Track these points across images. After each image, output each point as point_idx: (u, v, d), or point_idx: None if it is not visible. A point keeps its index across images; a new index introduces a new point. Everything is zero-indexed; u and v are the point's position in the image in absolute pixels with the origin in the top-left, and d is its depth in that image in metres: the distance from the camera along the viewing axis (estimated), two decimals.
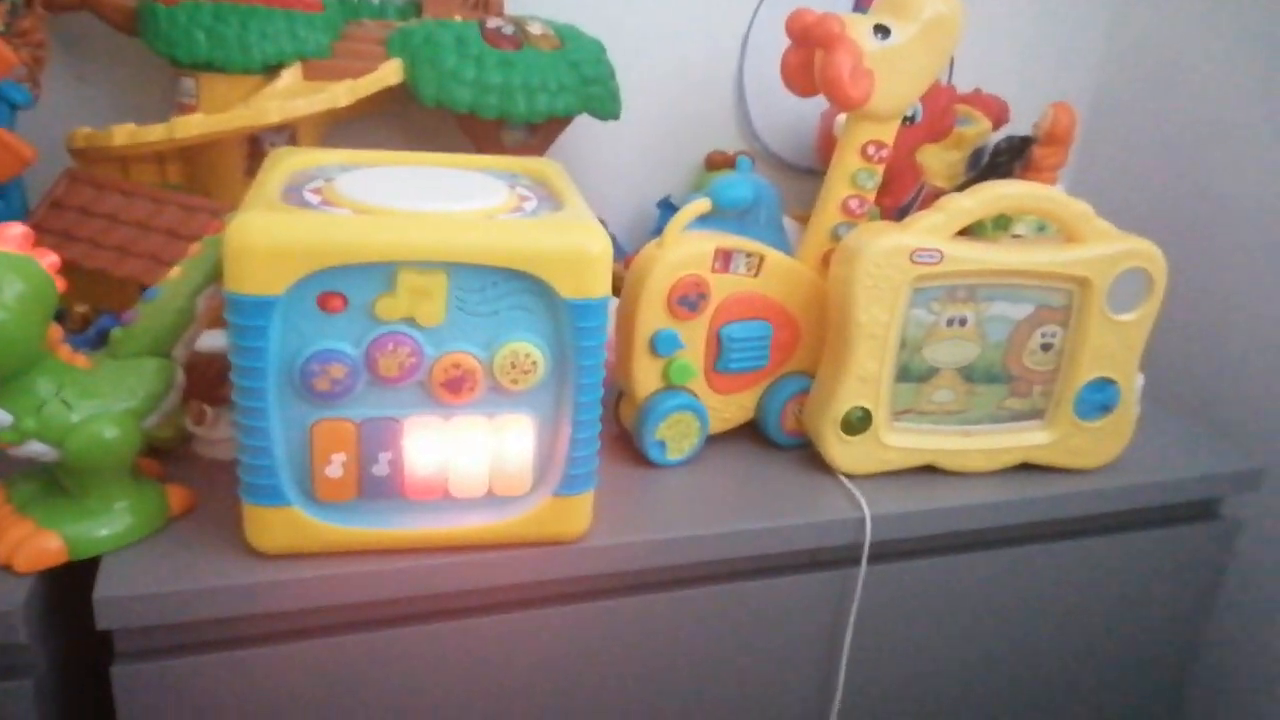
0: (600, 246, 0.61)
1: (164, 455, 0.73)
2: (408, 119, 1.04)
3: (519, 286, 0.61)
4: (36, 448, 0.59)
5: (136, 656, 0.63)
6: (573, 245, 0.60)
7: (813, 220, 0.83)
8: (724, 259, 0.78)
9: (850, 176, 0.81)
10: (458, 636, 0.70)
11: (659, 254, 0.76)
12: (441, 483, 0.65)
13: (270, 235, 0.56)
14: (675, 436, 0.80)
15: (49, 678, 0.64)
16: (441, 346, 0.61)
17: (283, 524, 0.63)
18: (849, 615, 0.81)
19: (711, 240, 0.77)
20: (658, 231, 1.02)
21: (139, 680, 0.63)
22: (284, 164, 0.68)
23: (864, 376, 0.79)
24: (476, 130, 0.99)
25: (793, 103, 1.18)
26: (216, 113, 0.84)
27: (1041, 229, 0.95)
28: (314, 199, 0.62)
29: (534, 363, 0.63)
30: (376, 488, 0.64)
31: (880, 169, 0.82)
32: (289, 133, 0.91)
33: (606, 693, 0.77)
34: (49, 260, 0.58)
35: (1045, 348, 0.82)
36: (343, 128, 0.96)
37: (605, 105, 0.98)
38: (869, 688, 0.86)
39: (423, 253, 0.58)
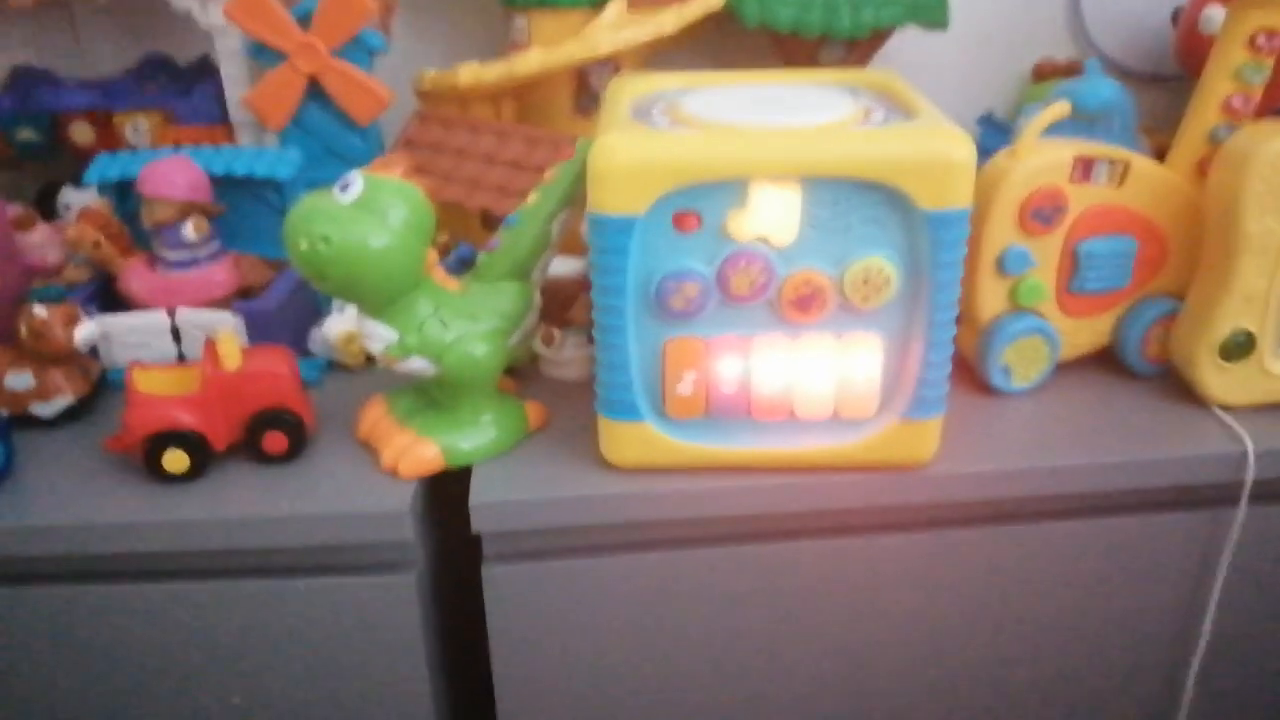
0: (964, 152, 0.57)
1: (516, 374, 0.77)
2: (723, 46, 1.03)
3: (873, 199, 0.58)
4: (417, 363, 0.64)
5: (504, 558, 0.68)
6: (934, 152, 0.57)
7: (1186, 122, 0.74)
8: (1084, 168, 0.71)
9: (1235, 71, 0.71)
10: (798, 557, 0.70)
11: (1012, 163, 0.70)
12: (787, 403, 0.64)
13: (633, 155, 0.57)
14: (1022, 362, 0.75)
15: (428, 574, 0.70)
16: (792, 264, 0.60)
17: (636, 439, 0.64)
18: (1221, 561, 0.73)
19: (1071, 147, 0.71)
20: (982, 151, 0.95)
21: (506, 580, 0.68)
22: (628, 90, 0.69)
23: (1250, 295, 0.69)
24: (794, 51, 0.96)
25: (1135, 3, 1.07)
26: (548, 48, 0.87)
27: None
28: (663, 120, 0.62)
29: (886, 279, 0.60)
30: (724, 406, 0.64)
31: (1271, 62, 0.71)
32: (613, 65, 0.92)
33: (945, 626, 0.74)
34: (426, 188, 0.61)
35: None
36: (663, 58, 0.97)
37: (933, 14, 0.92)
38: (1238, 644, 0.78)
39: (781, 167, 0.57)
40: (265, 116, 0.83)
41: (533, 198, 0.67)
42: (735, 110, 0.61)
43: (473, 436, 0.67)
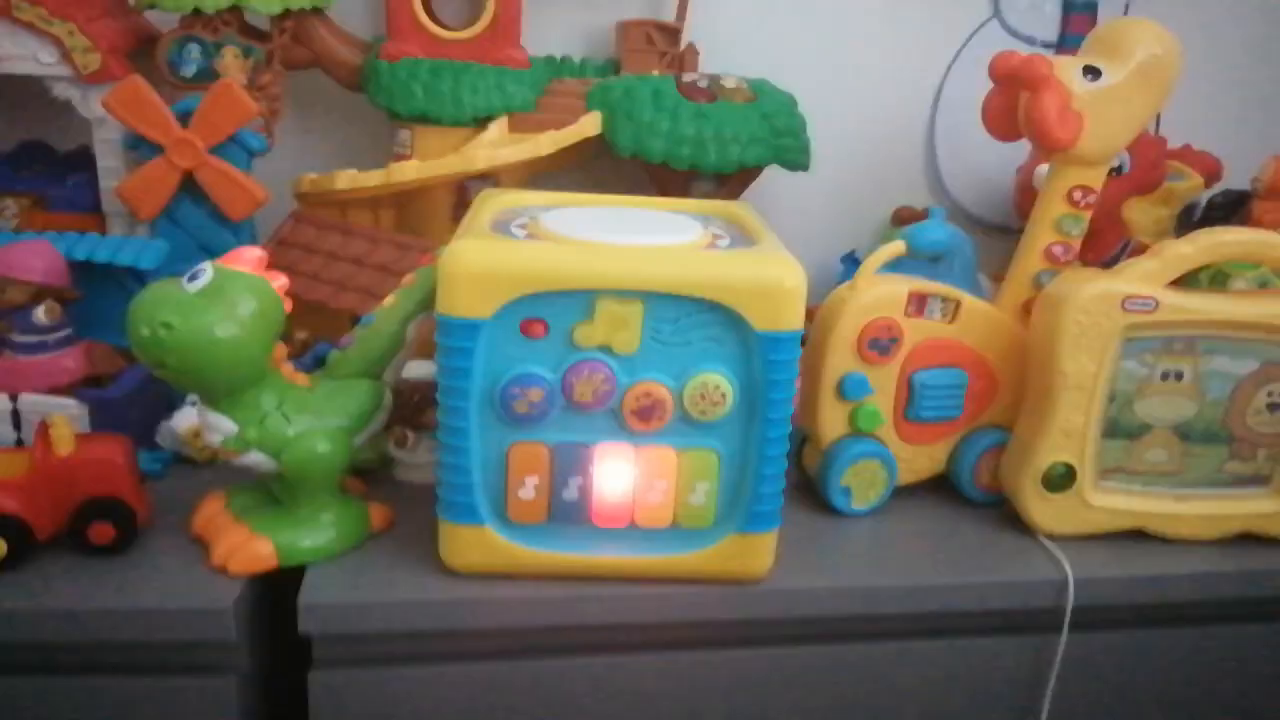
0: (794, 279, 0.61)
1: (366, 476, 0.76)
2: (601, 171, 1.08)
3: (712, 318, 0.61)
4: (256, 457, 0.63)
5: (333, 664, 0.66)
6: (767, 277, 0.60)
7: (1013, 267, 0.80)
8: (918, 303, 0.76)
9: (1055, 222, 0.78)
10: (637, 669, 0.70)
11: (851, 295, 0.75)
12: (628, 511, 0.65)
13: (481, 260, 0.59)
14: (861, 484, 0.78)
15: (251, 677, 0.67)
16: (634, 375, 0.62)
17: (476, 543, 0.64)
18: (1046, 686, 0.76)
19: (906, 283, 0.76)
20: None
21: (334, 686, 0.66)
22: (492, 203, 0.71)
23: (1068, 430, 0.74)
24: (668, 181, 1.01)
25: (984, 158, 1.16)
26: (426, 160, 0.90)
27: (1264, 284, 0.88)
28: (520, 233, 0.65)
29: (723, 394, 0.63)
30: (566, 512, 0.65)
31: (1087, 215, 0.78)
32: (493, 181, 0.95)
33: None
34: (279, 283, 0.62)
35: (1272, 407, 0.76)
36: (542, 178, 1.01)
37: (796, 157, 0.99)
38: None
39: (622, 282, 0.60)
40: (136, 207, 0.83)
41: (390, 299, 0.68)
42: (589, 228, 0.64)
43: (311, 535, 0.66)
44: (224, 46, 0.90)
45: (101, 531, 0.64)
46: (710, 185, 1.02)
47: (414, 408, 0.76)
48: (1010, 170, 1.14)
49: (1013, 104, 0.78)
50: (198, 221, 0.85)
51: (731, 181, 1.02)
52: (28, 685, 0.63)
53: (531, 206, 0.73)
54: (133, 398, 0.74)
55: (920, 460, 0.80)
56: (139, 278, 0.79)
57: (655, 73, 0.99)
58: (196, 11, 0.88)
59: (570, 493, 0.64)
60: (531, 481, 0.64)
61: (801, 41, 1.09)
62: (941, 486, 0.82)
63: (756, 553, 0.67)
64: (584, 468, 0.64)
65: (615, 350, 0.62)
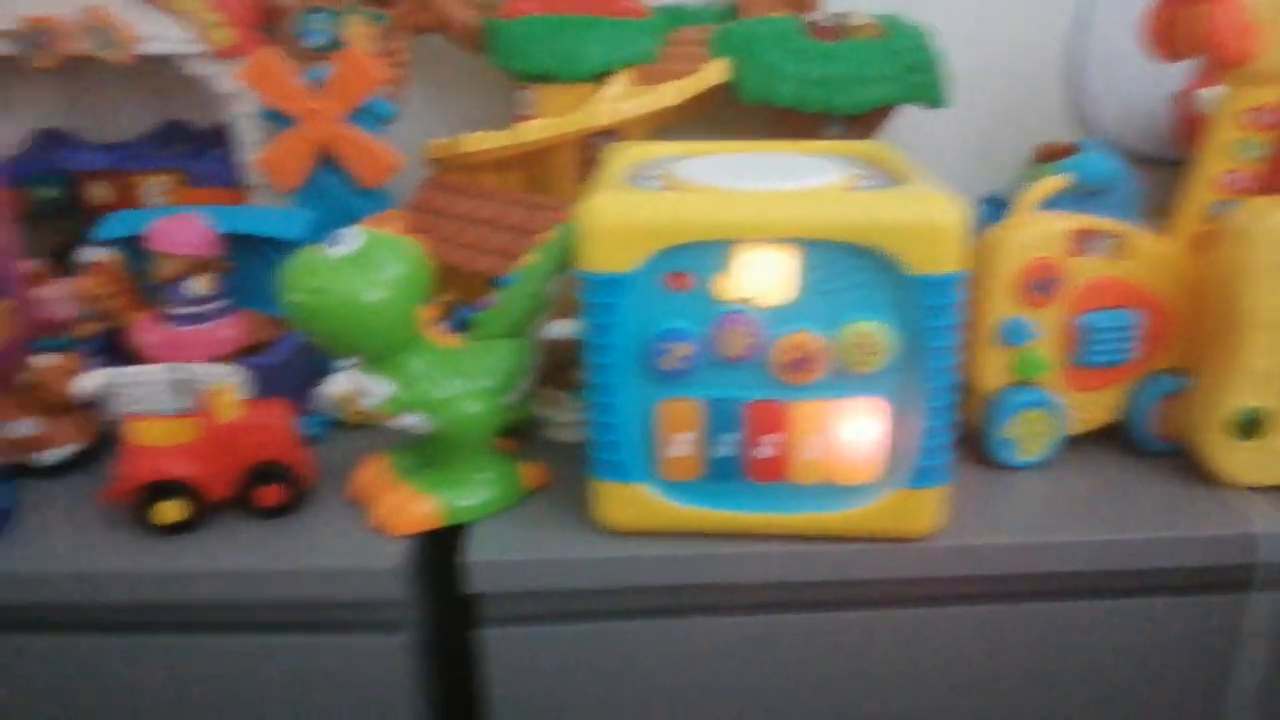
0: (952, 216, 0.57)
1: (517, 436, 0.76)
2: (725, 120, 1.05)
3: (865, 263, 0.59)
4: (410, 419, 0.64)
5: (500, 621, 0.66)
6: (923, 215, 0.57)
7: (1184, 198, 0.75)
8: (1081, 239, 0.71)
9: (1229, 147, 0.72)
10: (794, 628, 0.68)
11: (1008, 234, 0.71)
12: (783, 467, 0.63)
13: (621, 214, 0.57)
14: (1026, 436, 0.74)
15: (419, 636, 0.68)
16: (784, 326, 0.60)
17: (630, 500, 0.64)
18: (1237, 650, 0.71)
19: (1067, 219, 0.71)
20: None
21: (503, 643, 0.67)
22: (622, 157, 0.70)
23: (1256, 372, 0.69)
24: (796, 126, 0.97)
25: (1135, 86, 1.08)
26: (551, 119, 0.89)
27: None
28: (655, 185, 0.63)
29: (880, 344, 0.60)
30: (720, 468, 0.63)
31: (1268, 138, 0.72)
32: (618, 137, 0.94)
33: (942, 706, 0.72)
34: (423, 245, 0.62)
35: None
36: (665, 132, 0.98)
37: (930, 94, 0.94)
38: None
39: (768, 229, 0.57)
40: (276, 179, 0.84)
41: (530, 258, 0.67)
42: (726, 175, 0.62)
43: (469, 495, 0.67)
44: (350, 15, 0.91)
45: (270, 494, 0.66)
46: (840, 128, 0.98)
47: (560, 367, 0.75)
48: (1160, 98, 1.06)
49: (1178, 17, 0.71)
50: (336, 190, 0.86)
51: (862, 123, 0.97)
52: (206, 643, 0.66)
53: (663, 158, 0.71)
54: (289, 363, 0.76)
55: (1091, 408, 0.75)
56: (284, 248, 0.80)
57: (778, 15, 0.95)
58: None
59: (723, 449, 0.63)
60: (683, 438, 0.62)
61: None
62: (1112, 436, 0.77)
63: (923, 510, 0.64)
64: (737, 423, 0.62)
65: (760, 303, 0.59)
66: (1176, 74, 0.98)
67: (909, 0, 1.00)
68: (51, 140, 0.96)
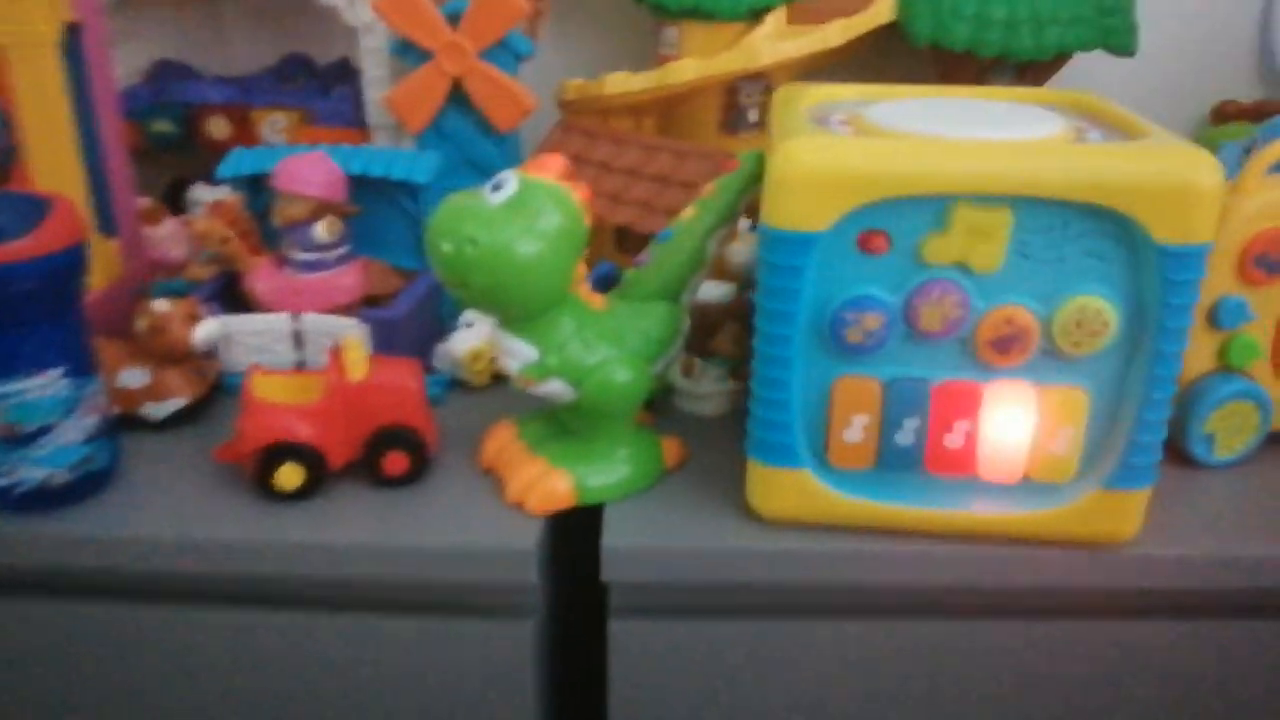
0: (1211, 178, 0.48)
1: (652, 407, 0.70)
2: (878, 66, 0.96)
3: (1096, 228, 0.50)
4: (555, 386, 0.58)
5: (632, 612, 0.61)
6: (1176, 175, 0.48)
7: None
8: None
9: None
10: (966, 638, 0.61)
11: (1233, 201, 0.61)
12: (969, 459, 0.56)
13: (820, 162, 0.50)
14: (1228, 430, 0.65)
15: (548, 621, 0.63)
16: (993, 298, 0.52)
17: (790, 488, 0.57)
18: None
19: None
20: None
21: (634, 636, 0.61)
22: (799, 98, 0.62)
23: None
24: (958, 73, 0.89)
25: None
26: (703, 59, 0.81)
27: None
28: (846, 130, 0.55)
29: (1104, 323, 0.52)
30: (897, 458, 0.56)
31: None
32: (765, 83, 0.86)
33: None
34: (582, 194, 0.56)
35: None
36: (814, 78, 0.90)
37: (1122, 39, 0.84)
38: None
39: (987, 183, 0.49)
40: (406, 118, 0.79)
41: (689, 211, 0.60)
42: (929, 122, 0.54)
43: (606, 472, 0.61)
44: None
45: (396, 461, 0.61)
46: (1009, 76, 0.88)
47: (702, 333, 0.69)
48: None
49: None
50: (464, 133, 0.80)
51: (1031, 72, 0.88)
52: (321, 620, 0.61)
53: (845, 101, 0.63)
54: (411, 318, 0.70)
55: None
56: (412, 193, 0.75)
57: None
58: None
59: (903, 436, 0.55)
60: (859, 421, 0.55)
61: None
62: None
63: (1124, 512, 0.56)
64: (922, 407, 0.55)
65: (973, 268, 0.52)
66: None
67: None
68: (169, 72, 0.92)
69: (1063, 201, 0.49)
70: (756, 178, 0.57)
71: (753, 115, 0.86)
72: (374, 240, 0.76)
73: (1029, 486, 0.56)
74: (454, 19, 0.75)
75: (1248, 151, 0.73)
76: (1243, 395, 0.64)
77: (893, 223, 0.51)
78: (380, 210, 0.76)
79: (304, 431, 0.59)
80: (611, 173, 0.78)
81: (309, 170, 0.69)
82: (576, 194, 0.55)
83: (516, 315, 0.56)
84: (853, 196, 0.50)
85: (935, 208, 0.50)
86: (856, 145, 0.51)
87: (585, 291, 0.59)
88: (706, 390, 0.70)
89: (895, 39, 0.85)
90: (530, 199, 0.53)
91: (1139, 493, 0.56)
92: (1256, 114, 0.96)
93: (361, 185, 0.74)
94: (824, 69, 0.88)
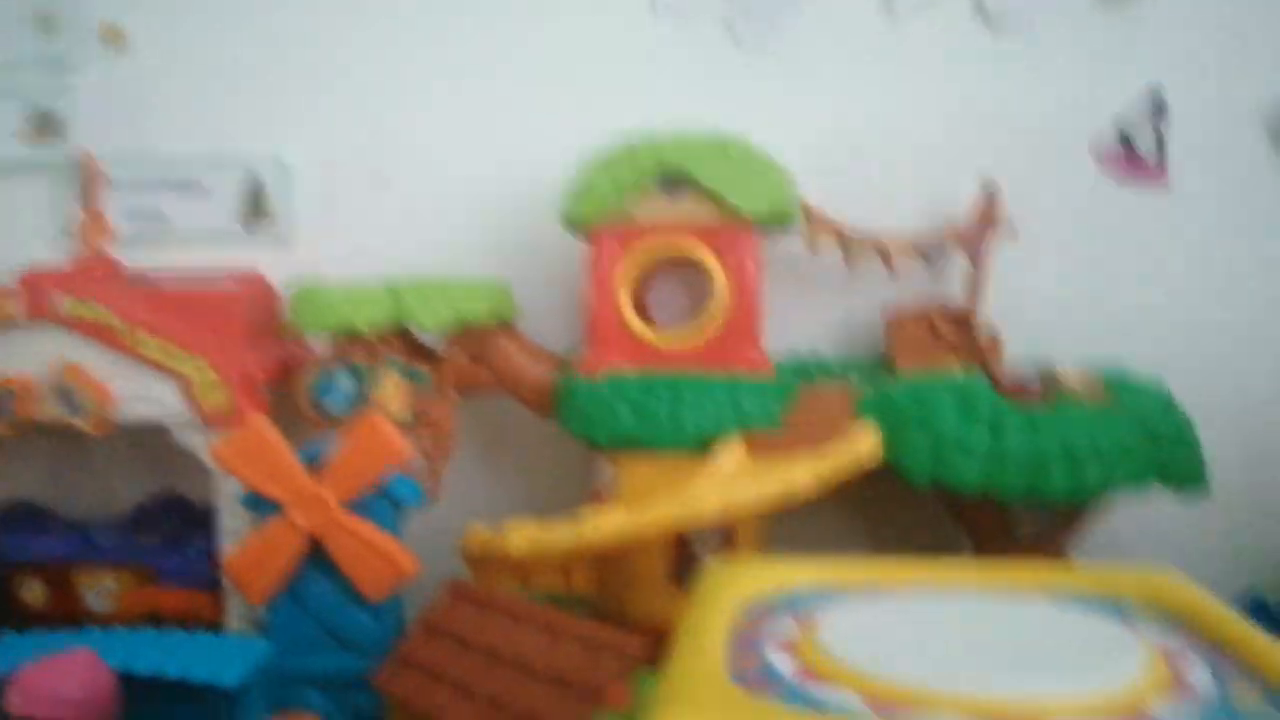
0: None
1: None
2: (866, 506, 0.79)
3: None
4: None
5: None
6: None
7: None
8: None
9: None
10: None
11: None
12: None
13: None
14: None
15: None
16: None
17: None
18: None
19: None
20: None
21: None
22: (732, 589, 0.43)
23: None
24: (977, 519, 0.72)
25: None
26: (638, 500, 0.66)
27: None
28: (784, 663, 0.35)
29: None
30: None
31: None
32: (724, 531, 0.68)
33: None
34: None
35: None
36: (790, 518, 0.72)
37: (1189, 474, 0.66)
38: None
39: None
40: (245, 585, 0.62)
41: None
42: (916, 654, 0.33)
43: None
44: (385, 370, 0.71)
45: None
46: (1040, 522, 0.72)
47: None
48: None
49: None
50: (327, 601, 0.64)
51: (1069, 514, 0.70)
52: None
53: (797, 590, 0.43)
54: None
55: None
56: (226, 698, 0.54)
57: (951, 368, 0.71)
58: (353, 334, 0.70)
59: None
60: None
61: (1151, 313, 0.78)
62: None
63: None
64: None
65: None
66: None
67: (1121, 347, 0.75)
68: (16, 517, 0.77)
69: None
70: None
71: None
72: None
73: None
74: (316, 463, 0.60)
75: None
76: None
77: None
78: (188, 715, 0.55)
79: None
80: (500, 664, 0.57)
81: (56, 682, 0.49)
82: None
83: None
84: None
85: None
86: None
87: None
88: None
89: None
90: None
91: None
92: None
93: (160, 688, 0.54)
94: (800, 510, 0.70)
